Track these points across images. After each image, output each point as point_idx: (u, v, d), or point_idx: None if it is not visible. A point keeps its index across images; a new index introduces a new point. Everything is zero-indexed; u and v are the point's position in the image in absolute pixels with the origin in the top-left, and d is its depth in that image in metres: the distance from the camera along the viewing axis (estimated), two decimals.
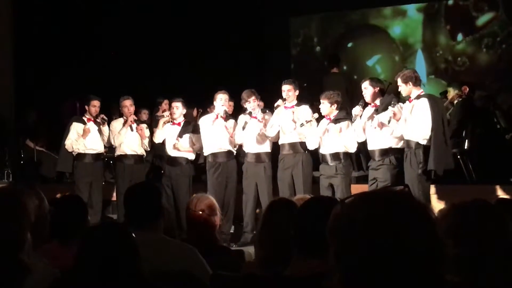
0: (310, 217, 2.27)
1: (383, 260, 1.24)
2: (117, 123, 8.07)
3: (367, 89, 6.82)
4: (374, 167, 6.79)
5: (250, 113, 7.51)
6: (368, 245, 1.25)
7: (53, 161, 9.41)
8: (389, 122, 6.46)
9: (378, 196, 1.36)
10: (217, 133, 7.59)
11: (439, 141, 6.27)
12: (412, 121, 6.37)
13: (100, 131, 8.05)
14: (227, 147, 7.63)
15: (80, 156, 8.02)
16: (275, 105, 7.32)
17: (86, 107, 8.07)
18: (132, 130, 7.94)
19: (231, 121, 7.65)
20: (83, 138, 7.94)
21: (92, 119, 8.04)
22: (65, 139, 8.04)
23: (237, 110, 8.07)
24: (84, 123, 8.01)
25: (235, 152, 7.76)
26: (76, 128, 8.02)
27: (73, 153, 8.04)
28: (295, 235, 2.31)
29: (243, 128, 7.43)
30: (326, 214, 2.19)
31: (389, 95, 6.83)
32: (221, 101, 7.61)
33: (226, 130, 7.55)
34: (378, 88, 6.82)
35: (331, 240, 1.33)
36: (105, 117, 8.01)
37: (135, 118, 8.03)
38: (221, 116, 7.58)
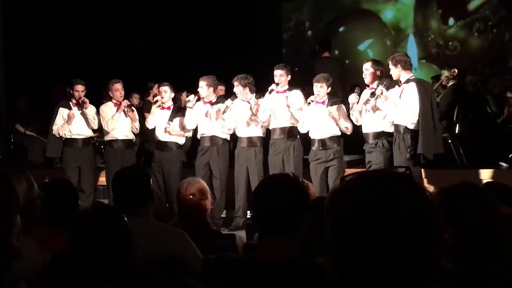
0: (265, 196, 2.26)
1: (381, 242, 1.23)
2: (106, 107, 8.01)
3: (368, 71, 6.81)
4: (368, 150, 6.83)
5: (233, 98, 7.55)
6: (366, 225, 1.24)
7: (42, 146, 9.39)
8: (376, 98, 6.47)
9: (380, 176, 1.33)
10: (201, 118, 7.63)
11: (427, 125, 6.29)
12: (401, 105, 6.38)
13: (83, 114, 7.98)
14: (211, 132, 7.62)
15: (69, 141, 8.00)
16: (269, 89, 7.32)
17: (71, 92, 8.02)
18: (126, 116, 7.92)
19: (217, 106, 7.65)
20: (68, 124, 7.91)
21: (77, 103, 7.99)
22: (52, 124, 8.03)
23: (229, 95, 8.06)
24: (70, 108, 7.99)
25: (225, 137, 7.73)
26: (62, 113, 8.00)
27: (61, 138, 8.02)
28: (256, 216, 2.29)
29: (224, 112, 7.45)
30: (284, 192, 2.22)
31: (386, 78, 6.83)
32: (201, 88, 7.63)
33: (209, 115, 7.57)
34: (379, 71, 6.81)
35: (327, 218, 1.31)
36: (85, 99, 7.89)
37: (128, 103, 7.99)
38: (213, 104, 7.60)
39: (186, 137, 7.95)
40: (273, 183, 2.33)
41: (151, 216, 3.28)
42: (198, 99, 7.73)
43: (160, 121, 7.82)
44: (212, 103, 7.65)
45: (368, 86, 6.87)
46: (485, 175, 7.08)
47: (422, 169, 6.87)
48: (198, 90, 7.65)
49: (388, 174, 1.35)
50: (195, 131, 7.83)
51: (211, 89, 7.63)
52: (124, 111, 7.89)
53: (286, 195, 2.20)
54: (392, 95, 6.47)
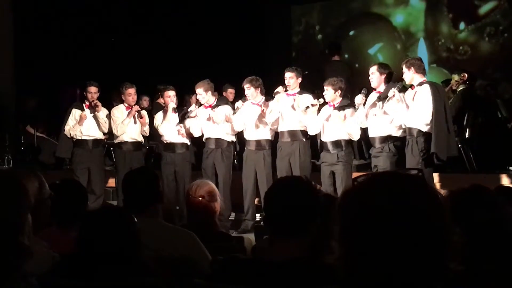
0: (276, 198, 2.27)
1: (390, 242, 1.23)
2: (118, 110, 8.04)
3: (374, 74, 6.83)
4: (374, 155, 6.83)
5: (244, 99, 7.57)
6: (376, 226, 1.24)
7: (53, 147, 9.43)
8: (387, 100, 6.47)
9: (392, 178, 1.34)
10: (205, 122, 7.67)
11: (440, 127, 6.29)
12: (414, 108, 6.38)
13: (95, 117, 8.01)
14: (216, 135, 7.65)
15: (79, 142, 8.02)
16: (275, 91, 7.34)
17: (85, 93, 8.07)
18: (135, 123, 7.94)
19: (221, 109, 7.66)
20: (80, 125, 7.94)
21: (89, 105, 8.02)
22: (65, 125, 8.07)
23: (239, 98, 8.08)
24: (83, 109, 8.02)
25: (230, 139, 7.75)
26: (74, 114, 8.04)
27: (72, 139, 8.05)
28: (267, 217, 2.31)
29: (234, 113, 7.49)
30: (291, 193, 2.23)
31: (394, 83, 6.83)
32: (200, 95, 7.66)
33: (211, 119, 7.59)
34: (385, 75, 6.81)
35: (338, 218, 1.32)
36: (98, 103, 7.94)
37: (139, 108, 8.00)
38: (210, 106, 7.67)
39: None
40: (285, 185, 2.35)
41: (160, 217, 3.29)
42: (200, 105, 7.75)
43: (167, 124, 7.84)
44: (212, 107, 7.67)
45: (375, 89, 6.87)
46: (495, 179, 7.04)
47: (433, 173, 6.85)
48: (198, 98, 7.70)
49: (400, 176, 1.35)
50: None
51: (209, 93, 7.68)
52: (134, 117, 7.92)
53: (297, 197, 2.22)
54: (405, 98, 6.48)
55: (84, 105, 8.06)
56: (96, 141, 8.11)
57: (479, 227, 1.93)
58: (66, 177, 7.62)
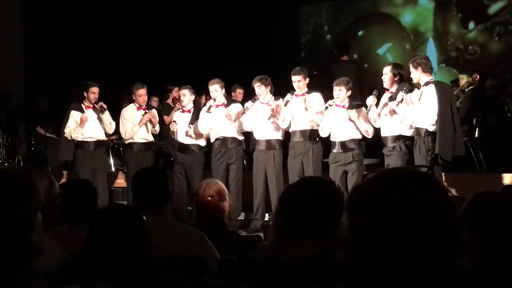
0: (300, 197, 2.26)
1: (399, 239, 1.23)
2: (127, 111, 7.98)
3: (387, 75, 6.82)
4: (386, 154, 6.84)
5: (254, 99, 7.56)
6: (386, 222, 1.24)
7: None
8: (397, 104, 6.47)
9: (402, 175, 1.34)
10: (218, 120, 7.63)
11: (446, 127, 6.28)
12: (421, 108, 6.37)
13: (99, 118, 7.92)
14: (229, 134, 7.65)
15: (80, 144, 7.92)
16: (285, 100, 7.30)
17: (85, 94, 7.89)
18: (148, 131, 7.91)
19: (233, 107, 7.66)
20: (81, 127, 7.82)
21: (91, 106, 7.90)
22: (64, 127, 7.95)
23: (248, 98, 8.08)
24: (83, 111, 7.89)
25: (241, 138, 7.76)
26: (74, 116, 7.90)
27: (73, 141, 7.94)
28: (285, 217, 2.29)
29: (243, 113, 7.49)
30: (315, 193, 2.22)
31: (405, 83, 6.81)
32: (216, 91, 7.62)
33: (228, 118, 7.55)
34: (398, 76, 6.80)
35: (348, 214, 1.32)
36: (104, 105, 7.83)
37: (151, 117, 7.89)
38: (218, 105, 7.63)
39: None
40: (309, 184, 2.33)
41: (170, 217, 3.31)
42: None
43: (181, 124, 7.84)
44: (225, 105, 7.66)
45: (388, 90, 6.87)
46: (505, 179, 7.01)
47: (442, 173, 6.84)
48: (213, 95, 7.60)
49: (409, 173, 1.35)
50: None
51: (223, 90, 7.66)
52: (146, 125, 7.89)
53: (320, 197, 2.21)
54: (412, 99, 6.47)
55: (83, 106, 7.93)
56: (98, 143, 8.01)
57: (487, 225, 1.92)
58: (75, 177, 7.70)
